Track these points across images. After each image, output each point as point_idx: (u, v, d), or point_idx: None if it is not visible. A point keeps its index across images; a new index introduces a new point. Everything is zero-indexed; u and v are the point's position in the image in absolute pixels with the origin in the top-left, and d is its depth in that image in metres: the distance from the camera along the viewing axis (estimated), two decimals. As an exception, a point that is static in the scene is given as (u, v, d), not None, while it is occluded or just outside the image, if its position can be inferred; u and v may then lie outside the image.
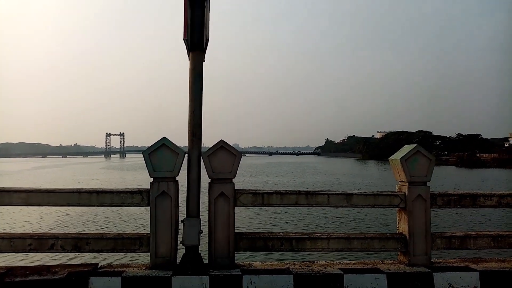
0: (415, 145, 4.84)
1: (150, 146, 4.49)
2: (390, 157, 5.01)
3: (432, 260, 4.75)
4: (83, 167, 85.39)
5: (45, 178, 48.02)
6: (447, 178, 45.43)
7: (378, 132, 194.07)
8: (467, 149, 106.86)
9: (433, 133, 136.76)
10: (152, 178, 4.48)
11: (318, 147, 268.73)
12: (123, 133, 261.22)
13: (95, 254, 9.50)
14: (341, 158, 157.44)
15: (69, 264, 4.69)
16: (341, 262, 4.90)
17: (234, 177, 4.60)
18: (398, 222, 4.96)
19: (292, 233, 4.84)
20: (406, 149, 4.86)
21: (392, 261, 4.92)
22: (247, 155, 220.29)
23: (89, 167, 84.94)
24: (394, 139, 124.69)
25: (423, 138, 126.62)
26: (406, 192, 4.74)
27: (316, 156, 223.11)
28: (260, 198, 4.69)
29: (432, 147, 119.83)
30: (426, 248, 4.69)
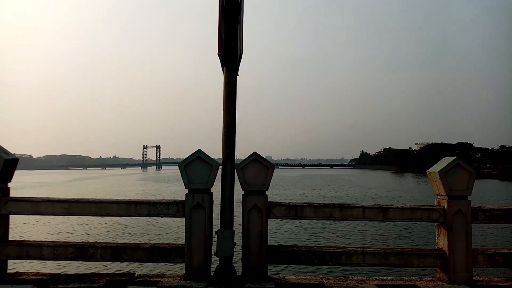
0: (454, 157, 4.69)
1: (186, 158, 4.60)
2: (428, 170, 4.87)
3: (474, 278, 4.54)
4: (121, 178, 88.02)
5: (86, 189, 49.85)
6: (490, 192, 43.34)
7: (415, 144, 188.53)
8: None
9: (474, 145, 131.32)
10: (187, 190, 4.58)
11: (352, 159, 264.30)
12: (159, 145, 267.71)
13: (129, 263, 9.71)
14: (377, 170, 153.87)
15: (107, 273, 4.83)
16: (377, 278, 4.78)
17: (267, 189, 4.62)
18: (437, 238, 4.79)
19: (326, 247, 4.78)
20: (445, 161, 4.71)
21: (431, 278, 4.74)
22: (280, 167, 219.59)
23: (127, 178, 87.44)
24: (433, 151, 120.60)
25: (464, 150, 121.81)
26: (446, 206, 4.58)
27: (351, 168, 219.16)
28: (294, 210, 4.67)
29: (473, 160, 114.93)
30: (467, 265, 4.49)
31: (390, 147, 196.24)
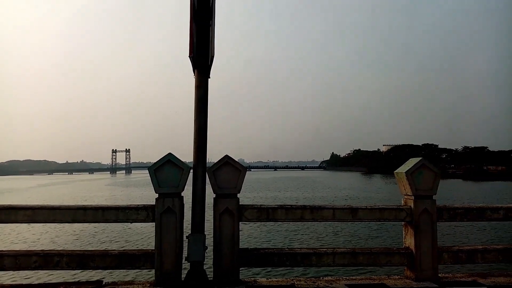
0: (420, 158, 4.82)
1: (156, 162, 4.51)
2: (396, 171, 5.00)
3: (439, 275, 4.69)
4: (89, 183, 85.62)
5: (51, 195, 48.15)
6: (454, 191, 44.98)
7: (383, 145, 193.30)
8: (474, 162, 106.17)
9: (439, 146, 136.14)
10: (157, 194, 4.50)
11: (323, 161, 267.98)
12: (129, 149, 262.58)
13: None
14: (347, 172, 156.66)
15: (74, 282, 4.68)
16: (347, 278, 4.85)
17: (239, 192, 4.61)
18: (405, 237, 4.91)
19: (298, 248, 4.81)
20: (411, 162, 4.85)
21: (398, 276, 4.86)
22: (252, 170, 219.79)
23: (95, 183, 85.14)
24: (400, 153, 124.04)
25: (429, 151, 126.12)
26: (412, 206, 4.71)
27: (322, 170, 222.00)
28: (265, 213, 4.68)
29: (439, 160, 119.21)
30: (433, 263, 4.63)
31: (359, 149, 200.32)
